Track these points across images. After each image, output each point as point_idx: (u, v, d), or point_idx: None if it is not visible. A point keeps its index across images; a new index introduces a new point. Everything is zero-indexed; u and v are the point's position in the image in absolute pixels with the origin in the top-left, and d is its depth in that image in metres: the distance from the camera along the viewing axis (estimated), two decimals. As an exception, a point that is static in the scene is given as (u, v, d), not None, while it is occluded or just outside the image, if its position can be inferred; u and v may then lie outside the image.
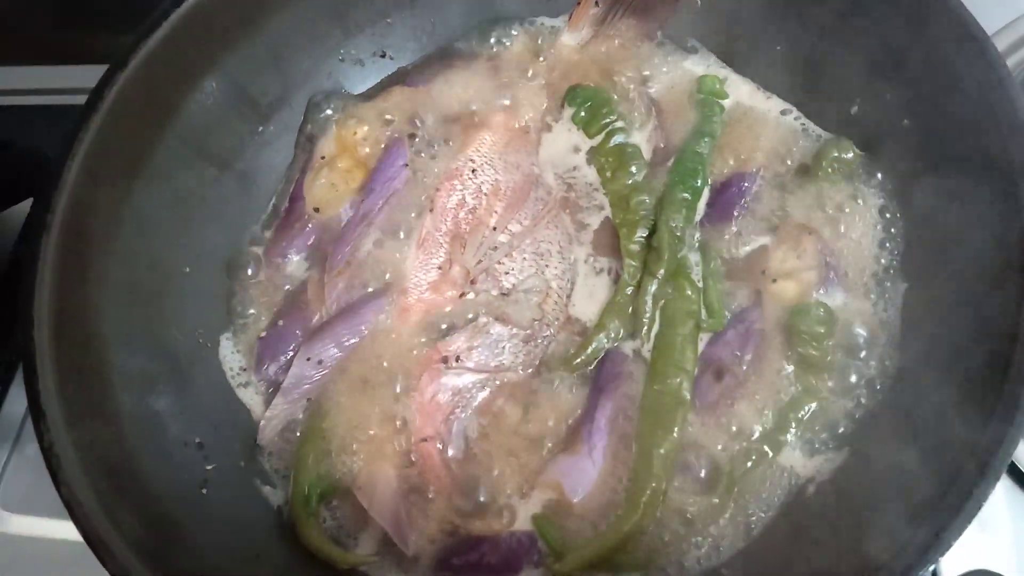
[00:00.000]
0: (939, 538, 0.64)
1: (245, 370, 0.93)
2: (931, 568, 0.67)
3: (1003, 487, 0.94)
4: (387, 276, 0.95)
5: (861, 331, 0.86)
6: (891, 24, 0.89)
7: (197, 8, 0.90)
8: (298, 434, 0.89)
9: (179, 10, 0.89)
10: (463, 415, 0.87)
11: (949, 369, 0.77)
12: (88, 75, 0.86)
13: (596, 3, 1.07)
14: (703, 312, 0.89)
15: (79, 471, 0.72)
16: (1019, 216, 0.75)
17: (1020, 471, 0.93)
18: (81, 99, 0.85)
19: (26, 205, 1.20)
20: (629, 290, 0.91)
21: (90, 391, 0.79)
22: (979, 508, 0.64)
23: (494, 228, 0.96)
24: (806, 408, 0.83)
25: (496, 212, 0.98)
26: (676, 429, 0.82)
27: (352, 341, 0.91)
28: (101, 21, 1.40)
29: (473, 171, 1.00)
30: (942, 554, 0.64)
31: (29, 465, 1.06)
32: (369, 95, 1.08)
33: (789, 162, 0.96)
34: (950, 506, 0.65)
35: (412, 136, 1.03)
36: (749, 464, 0.82)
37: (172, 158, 0.92)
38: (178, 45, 0.89)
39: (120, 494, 0.74)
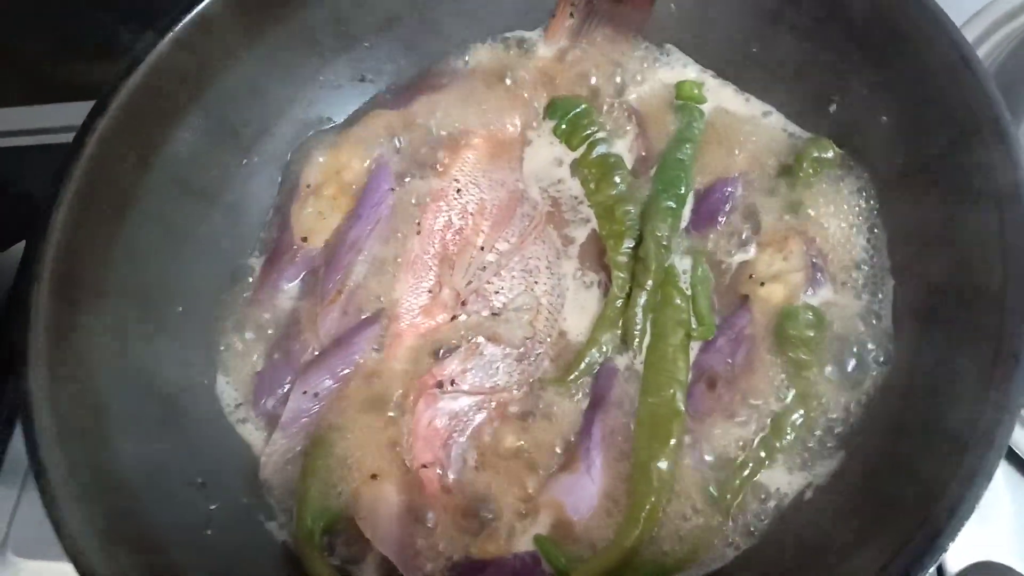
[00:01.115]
0: (937, 539, 0.64)
1: (243, 405, 0.94)
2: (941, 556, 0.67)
3: (1003, 473, 0.94)
4: (379, 302, 0.95)
5: (851, 332, 0.86)
6: (865, 22, 0.89)
7: (173, 46, 0.90)
8: (299, 467, 0.89)
9: (156, 49, 0.89)
10: (461, 439, 0.87)
11: (940, 366, 0.77)
12: (77, 112, 0.87)
13: (571, 14, 1.07)
14: (693, 320, 0.89)
15: (82, 523, 0.72)
16: (999, 208, 0.75)
17: (1020, 457, 0.93)
18: (70, 137, 0.85)
19: (20, 247, 1.21)
20: (619, 303, 0.91)
21: (90, 441, 0.79)
22: (975, 507, 0.64)
23: (481, 248, 0.97)
24: (800, 412, 0.83)
25: (483, 231, 0.98)
26: (672, 441, 0.83)
27: (347, 371, 0.91)
28: (90, 55, 1.40)
29: (458, 191, 1.00)
30: (940, 555, 0.64)
31: (39, 507, 1.06)
32: (351, 120, 1.08)
33: (771, 164, 0.96)
34: (947, 505, 0.65)
35: (396, 159, 1.03)
36: (747, 471, 0.83)
37: (158, 197, 0.92)
38: (157, 84, 0.90)
39: (125, 542, 0.74)
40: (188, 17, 0.90)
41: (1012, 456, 0.94)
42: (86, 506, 0.74)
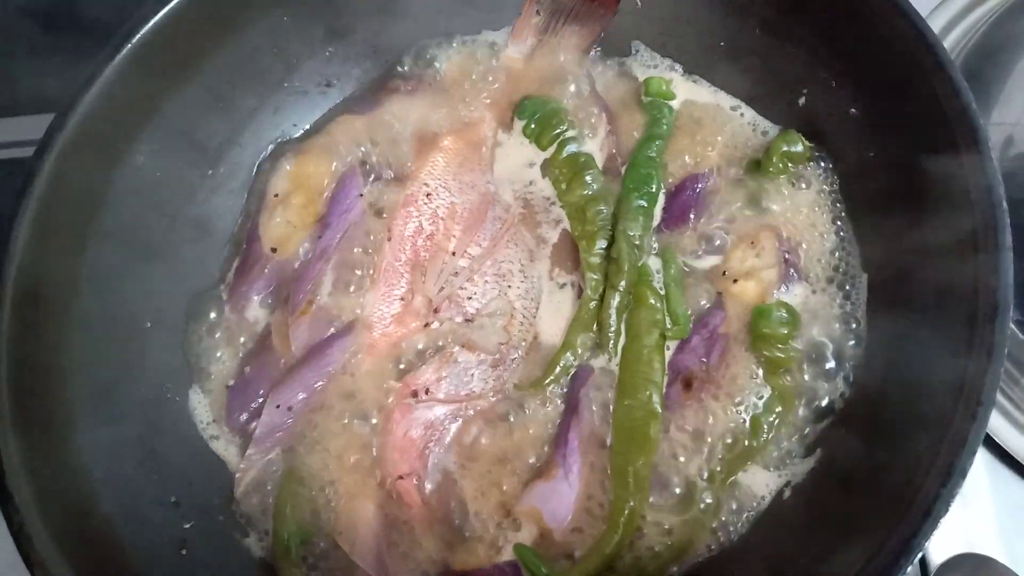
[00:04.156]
0: (913, 539, 0.64)
1: (216, 421, 0.92)
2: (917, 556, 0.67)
3: (986, 464, 0.94)
4: (351, 312, 0.94)
5: (824, 327, 0.86)
6: (831, 13, 0.88)
7: (131, 58, 0.88)
8: (275, 482, 0.88)
9: (114, 62, 0.87)
10: (438, 449, 0.86)
11: (913, 361, 0.77)
12: (36, 125, 0.85)
13: (537, 12, 1.06)
14: (667, 320, 0.89)
15: (53, 550, 0.71)
16: (967, 196, 0.74)
17: (1003, 448, 0.93)
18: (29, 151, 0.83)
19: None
20: (592, 304, 0.90)
21: (59, 465, 0.78)
22: (949, 505, 0.64)
23: (453, 253, 0.96)
24: (776, 411, 0.83)
25: (454, 236, 0.97)
26: (650, 444, 0.82)
27: (320, 384, 0.90)
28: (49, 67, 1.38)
29: (428, 195, 0.99)
30: (917, 554, 0.64)
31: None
32: (317, 126, 1.07)
33: (741, 159, 0.96)
34: (922, 505, 0.65)
35: (364, 165, 1.02)
36: (725, 472, 0.82)
37: (123, 214, 0.91)
38: (116, 97, 0.88)
39: (98, 568, 0.73)
40: (145, 28, 0.89)
41: (995, 447, 0.94)
42: (56, 533, 0.73)
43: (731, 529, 0.81)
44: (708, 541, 0.81)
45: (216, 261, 1.01)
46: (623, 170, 0.98)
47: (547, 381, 0.88)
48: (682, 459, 0.83)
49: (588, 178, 0.97)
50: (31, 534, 0.71)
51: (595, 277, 0.91)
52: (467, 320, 0.92)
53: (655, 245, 0.93)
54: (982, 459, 0.95)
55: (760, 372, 0.85)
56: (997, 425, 0.94)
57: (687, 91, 1.01)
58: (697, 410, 0.85)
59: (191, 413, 0.93)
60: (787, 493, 0.82)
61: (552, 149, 1.01)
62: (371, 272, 0.96)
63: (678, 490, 0.82)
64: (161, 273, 0.95)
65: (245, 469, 0.88)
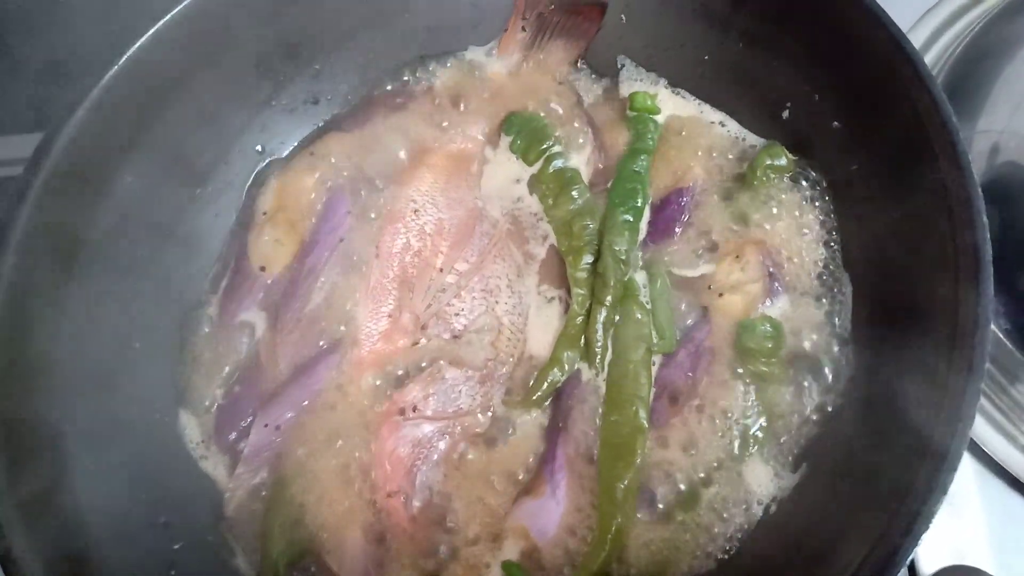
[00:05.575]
0: (894, 556, 0.64)
1: (205, 441, 0.92)
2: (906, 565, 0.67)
3: (975, 475, 0.95)
4: (339, 329, 0.94)
5: (809, 341, 0.86)
6: (813, 26, 0.89)
7: (120, 79, 0.89)
8: (264, 501, 0.88)
9: (101, 83, 0.88)
10: (425, 467, 0.87)
11: (897, 375, 0.77)
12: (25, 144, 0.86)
13: (523, 28, 1.06)
14: (654, 335, 0.89)
15: (40, 573, 0.71)
16: (948, 208, 0.75)
17: (992, 458, 0.93)
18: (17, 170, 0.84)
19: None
20: (579, 320, 0.91)
21: (46, 487, 0.77)
22: (930, 522, 0.64)
23: (441, 269, 0.96)
24: (762, 426, 0.83)
25: (442, 252, 0.97)
26: (637, 460, 0.82)
27: (308, 402, 0.90)
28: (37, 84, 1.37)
29: (415, 211, 0.99)
30: (898, 570, 0.64)
31: None
32: (305, 144, 1.07)
33: (726, 172, 0.96)
34: (902, 524, 0.65)
35: (352, 182, 1.02)
36: (711, 487, 0.82)
37: (110, 233, 0.90)
38: (105, 119, 0.88)
39: (84, 590, 0.74)
40: (133, 49, 0.89)
41: (983, 456, 0.94)
42: (44, 554, 0.73)
43: (718, 544, 0.81)
44: (694, 557, 0.81)
45: (205, 280, 1.00)
46: (609, 185, 0.98)
47: (535, 397, 0.88)
48: (669, 474, 0.83)
49: (574, 193, 0.97)
50: (17, 557, 0.71)
51: (582, 292, 0.92)
52: (455, 336, 0.93)
53: (641, 259, 0.93)
54: (971, 469, 0.95)
55: (746, 387, 0.85)
56: (986, 435, 0.94)
57: (672, 105, 1.02)
58: (683, 425, 0.85)
59: (180, 433, 0.93)
60: (773, 508, 0.82)
61: (539, 165, 1.01)
62: (359, 289, 0.96)
63: (665, 505, 0.82)
64: (149, 292, 0.95)
65: (234, 488, 0.89)
